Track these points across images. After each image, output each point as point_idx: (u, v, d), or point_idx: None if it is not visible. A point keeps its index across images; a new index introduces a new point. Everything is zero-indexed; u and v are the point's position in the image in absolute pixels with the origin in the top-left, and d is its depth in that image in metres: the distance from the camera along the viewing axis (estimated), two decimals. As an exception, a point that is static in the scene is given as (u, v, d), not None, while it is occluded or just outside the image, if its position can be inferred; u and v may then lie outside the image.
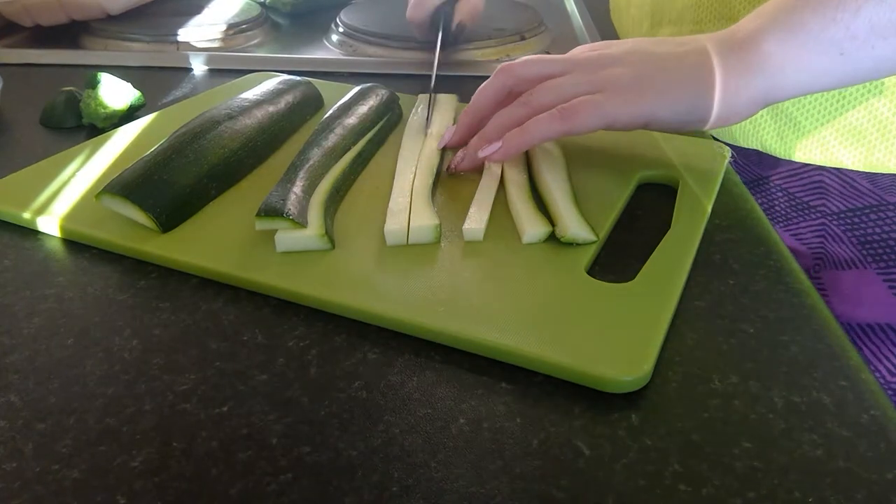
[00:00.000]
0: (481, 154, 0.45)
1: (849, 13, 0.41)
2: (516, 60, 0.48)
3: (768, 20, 0.43)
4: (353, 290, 0.37)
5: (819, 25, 0.41)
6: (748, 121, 0.58)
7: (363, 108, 0.54)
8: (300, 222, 0.40)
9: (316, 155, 0.46)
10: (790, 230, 0.63)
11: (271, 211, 0.40)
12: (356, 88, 0.57)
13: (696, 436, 0.30)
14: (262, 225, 0.40)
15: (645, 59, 0.44)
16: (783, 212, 0.63)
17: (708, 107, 0.43)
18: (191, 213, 0.43)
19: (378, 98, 0.56)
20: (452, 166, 0.48)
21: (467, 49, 0.78)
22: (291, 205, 0.41)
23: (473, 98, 0.49)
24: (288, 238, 0.40)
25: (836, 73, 0.43)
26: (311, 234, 0.40)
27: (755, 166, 0.64)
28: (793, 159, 0.58)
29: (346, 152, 0.49)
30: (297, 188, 0.43)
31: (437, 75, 0.63)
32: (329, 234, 0.40)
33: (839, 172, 0.58)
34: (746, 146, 0.60)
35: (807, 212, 0.61)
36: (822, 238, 0.62)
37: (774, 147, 0.58)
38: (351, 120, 0.52)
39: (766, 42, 0.42)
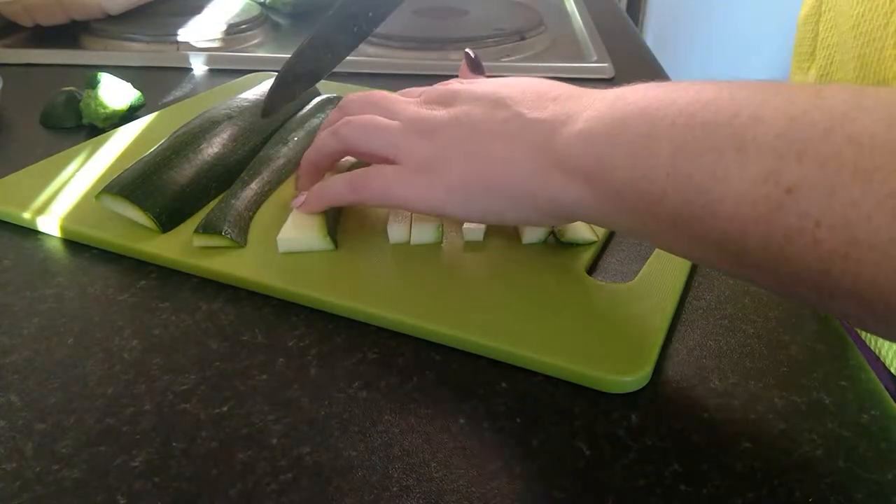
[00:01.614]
0: (292, 204, 0.42)
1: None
2: (356, 96, 0.43)
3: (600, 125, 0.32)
4: (354, 291, 0.37)
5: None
6: None
7: (316, 122, 0.53)
8: (238, 241, 0.40)
9: (266, 170, 0.46)
10: None
11: (210, 228, 0.40)
12: (315, 100, 0.56)
13: (696, 436, 0.30)
14: (201, 241, 0.40)
15: (464, 138, 0.37)
16: None
17: (517, 214, 0.36)
18: (190, 213, 0.43)
19: (333, 108, 0.55)
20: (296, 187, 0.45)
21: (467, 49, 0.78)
22: (232, 223, 0.41)
23: (318, 131, 0.45)
24: (290, 239, 0.40)
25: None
26: (313, 236, 0.40)
27: None
28: None
29: (298, 167, 0.49)
30: (242, 205, 0.43)
31: (437, 75, 0.63)
32: (331, 234, 0.40)
33: None
34: None
35: None
36: None
37: None
38: (307, 133, 0.51)
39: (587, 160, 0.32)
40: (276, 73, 0.49)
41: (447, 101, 0.39)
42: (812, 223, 0.24)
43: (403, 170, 0.38)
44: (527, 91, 0.37)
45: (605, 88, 0.34)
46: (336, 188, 0.41)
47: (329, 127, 0.42)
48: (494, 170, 0.35)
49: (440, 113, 0.38)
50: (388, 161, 0.39)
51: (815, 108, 0.25)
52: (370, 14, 0.49)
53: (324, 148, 0.42)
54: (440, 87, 0.42)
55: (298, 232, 0.40)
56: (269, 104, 0.48)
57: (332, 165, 0.45)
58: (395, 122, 0.39)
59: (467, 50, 0.49)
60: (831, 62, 0.47)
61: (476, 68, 0.48)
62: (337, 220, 0.43)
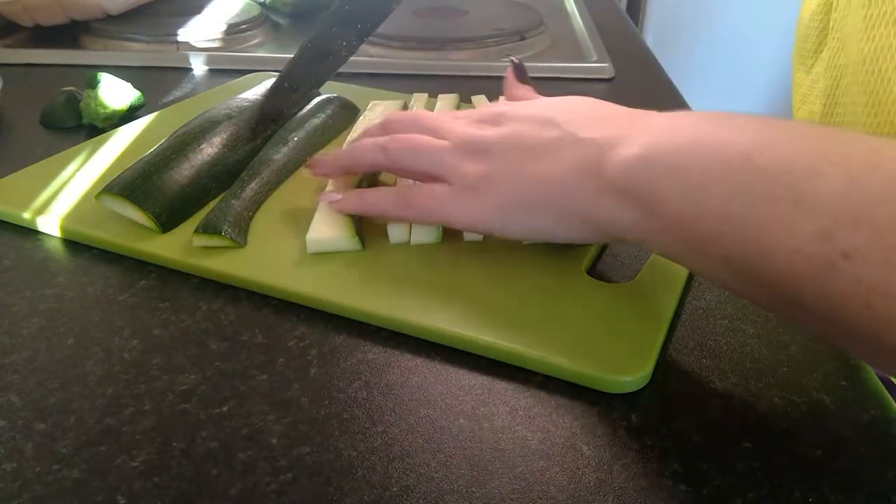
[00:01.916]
0: (322, 198, 0.42)
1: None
2: (402, 114, 0.44)
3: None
4: (354, 291, 0.37)
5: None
6: None
7: (316, 121, 0.53)
8: (238, 241, 0.40)
9: (265, 170, 0.46)
10: None
11: (210, 228, 0.40)
12: (316, 100, 0.56)
13: (696, 436, 0.30)
14: (201, 241, 0.40)
15: (513, 157, 0.37)
16: None
17: (566, 232, 0.36)
18: (190, 213, 0.43)
19: (333, 108, 0.56)
20: (309, 162, 0.45)
21: (467, 49, 0.78)
22: (231, 223, 0.41)
23: (358, 138, 0.46)
24: (319, 240, 0.40)
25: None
26: (341, 236, 0.40)
27: None
28: None
29: (298, 167, 0.49)
30: (241, 205, 0.43)
31: (437, 75, 0.63)
32: (359, 234, 0.40)
33: None
34: None
35: None
36: None
37: None
38: (307, 133, 0.52)
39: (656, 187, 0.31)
40: (273, 82, 0.49)
41: (495, 120, 0.39)
42: (865, 289, 0.24)
43: (453, 189, 0.38)
44: (576, 110, 0.37)
45: (646, 109, 0.35)
46: (383, 200, 0.41)
47: (368, 138, 0.43)
48: (543, 190, 0.35)
49: (489, 132, 0.39)
50: (435, 180, 0.39)
51: (874, 171, 0.24)
52: (367, 16, 0.50)
53: (365, 159, 0.42)
54: (487, 107, 0.42)
55: (329, 232, 0.40)
56: (265, 114, 0.48)
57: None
58: (444, 142, 0.39)
59: (512, 58, 0.49)
60: (838, 56, 0.47)
61: (522, 75, 0.48)
62: (360, 221, 0.42)
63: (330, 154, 0.44)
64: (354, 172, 0.44)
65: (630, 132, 0.33)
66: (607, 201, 0.33)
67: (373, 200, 0.42)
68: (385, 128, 0.44)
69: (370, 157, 0.42)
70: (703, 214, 0.29)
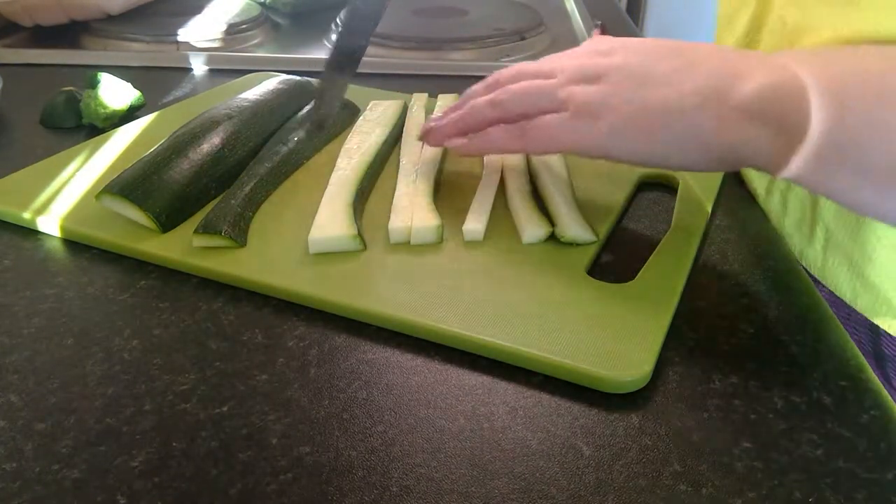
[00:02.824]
0: (448, 144, 0.44)
1: None
2: (507, 69, 0.44)
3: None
4: (354, 291, 0.37)
5: None
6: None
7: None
8: (238, 241, 0.40)
9: (265, 170, 0.46)
10: None
11: (210, 228, 0.40)
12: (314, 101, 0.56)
13: (696, 436, 0.30)
14: (201, 241, 0.40)
15: (630, 83, 0.37)
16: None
17: (683, 158, 0.37)
18: (190, 213, 0.43)
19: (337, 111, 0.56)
20: (422, 132, 0.47)
21: (467, 48, 0.78)
22: (231, 223, 0.41)
23: (462, 99, 0.46)
24: (321, 240, 0.40)
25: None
26: (343, 235, 0.40)
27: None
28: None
29: (298, 167, 0.49)
30: (241, 205, 0.43)
31: (437, 75, 0.62)
32: (361, 234, 0.40)
33: None
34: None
35: None
36: None
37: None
38: (302, 133, 0.52)
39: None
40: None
41: (607, 53, 0.40)
42: None
43: (566, 115, 0.38)
44: (687, 45, 0.38)
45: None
46: (500, 138, 0.41)
47: (475, 97, 0.44)
48: (663, 114, 0.35)
49: (604, 60, 0.39)
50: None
51: None
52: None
53: (479, 116, 0.43)
54: (596, 40, 0.42)
55: (331, 232, 0.40)
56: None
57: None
58: (554, 79, 0.40)
59: (599, 24, 0.50)
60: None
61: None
62: (361, 220, 0.42)
63: (442, 120, 0.45)
64: (470, 132, 0.44)
65: (753, 63, 0.35)
66: (740, 128, 0.34)
67: (492, 139, 0.42)
68: (490, 86, 0.44)
69: (483, 113, 0.42)
70: (855, 127, 0.31)
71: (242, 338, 0.35)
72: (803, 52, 0.36)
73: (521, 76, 0.42)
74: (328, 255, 0.40)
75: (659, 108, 0.36)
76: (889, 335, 0.45)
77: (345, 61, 0.50)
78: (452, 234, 0.42)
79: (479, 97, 0.44)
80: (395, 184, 0.46)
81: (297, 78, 0.60)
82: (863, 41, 0.37)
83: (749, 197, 0.49)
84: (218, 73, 0.73)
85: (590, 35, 0.49)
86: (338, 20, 0.83)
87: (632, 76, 0.37)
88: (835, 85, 0.32)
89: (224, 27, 0.81)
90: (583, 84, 0.39)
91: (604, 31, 0.49)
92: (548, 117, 0.39)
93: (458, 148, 0.44)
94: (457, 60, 0.76)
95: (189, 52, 0.76)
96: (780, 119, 0.33)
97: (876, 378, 0.34)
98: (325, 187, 0.45)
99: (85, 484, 0.28)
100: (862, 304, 0.45)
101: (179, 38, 0.78)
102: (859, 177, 0.32)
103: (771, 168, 0.34)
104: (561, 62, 0.41)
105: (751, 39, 0.50)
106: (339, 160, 0.49)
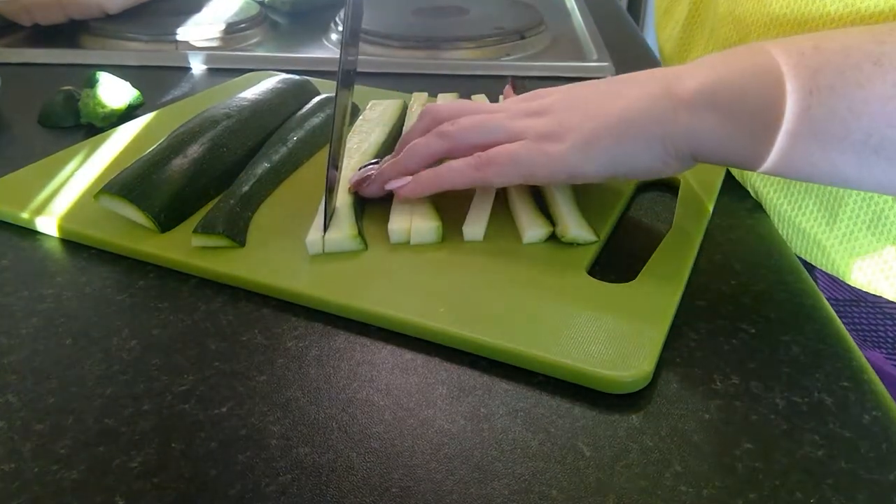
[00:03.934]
0: (389, 186, 0.42)
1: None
2: (443, 104, 0.44)
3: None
4: (354, 291, 0.37)
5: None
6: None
7: (316, 121, 0.53)
8: (237, 241, 0.40)
9: (264, 170, 0.46)
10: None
11: (208, 228, 0.40)
12: (316, 99, 0.56)
13: (697, 436, 0.30)
14: (199, 241, 0.40)
15: (577, 109, 0.39)
16: (890, 340, 0.49)
17: (650, 162, 0.37)
18: (189, 213, 0.43)
19: (333, 108, 0.56)
20: (354, 189, 0.44)
21: (467, 48, 0.78)
22: (230, 223, 0.41)
23: (401, 142, 0.46)
24: (320, 241, 0.40)
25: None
26: (344, 236, 0.40)
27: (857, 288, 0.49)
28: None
29: (297, 167, 0.49)
30: (240, 205, 0.43)
31: (437, 75, 0.62)
32: (362, 234, 0.40)
33: None
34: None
35: None
36: None
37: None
38: (306, 133, 0.52)
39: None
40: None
41: (540, 96, 0.41)
42: None
43: (528, 142, 0.39)
44: (615, 77, 0.41)
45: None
46: (456, 172, 0.40)
47: (419, 134, 0.43)
48: (622, 118, 0.37)
49: (541, 100, 0.41)
50: None
51: None
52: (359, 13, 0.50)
53: (427, 150, 0.42)
54: (519, 97, 0.44)
55: (332, 233, 0.40)
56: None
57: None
58: (502, 115, 0.40)
59: (512, 80, 0.52)
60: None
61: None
62: (362, 220, 0.42)
63: (385, 167, 0.43)
64: (414, 172, 0.43)
65: (685, 68, 0.37)
66: (688, 115, 0.35)
67: (449, 176, 0.41)
68: (432, 117, 0.44)
69: (430, 147, 0.42)
70: (789, 96, 0.33)
71: (242, 338, 0.35)
72: (775, 40, 0.37)
73: (462, 112, 0.42)
74: (328, 255, 0.40)
75: (615, 117, 0.37)
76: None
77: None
78: (452, 234, 0.42)
79: (418, 137, 0.43)
80: None
81: (296, 77, 0.60)
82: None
83: (750, 197, 0.49)
84: (217, 72, 0.73)
85: (505, 89, 0.52)
86: (337, 19, 0.83)
87: (575, 105, 0.39)
88: (806, 63, 0.33)
89: (223, 26, 0.81)
90: (534, 117, 0.40)
91: (514, 86, 0.50)
92: (510, 144, 0.39)
93: (407, 190, 0.42)
94: (457, 60, 0.76)
95: (188, 52, 0.76)
96: (740, 105, 0.34)
97: (877, 378, 0.33)
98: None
99: (84, 484, 0.27)
100: None
101: (178, 38, 0.78)
102: (837, 152, 0.33)
103: (748, 159, 0.35)
104: (501, 105, 0.42)
105: (689, 31, 0.53)
106: None
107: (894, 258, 0.44)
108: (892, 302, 0.45)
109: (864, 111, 0.32)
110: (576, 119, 0.38)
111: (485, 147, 0.40)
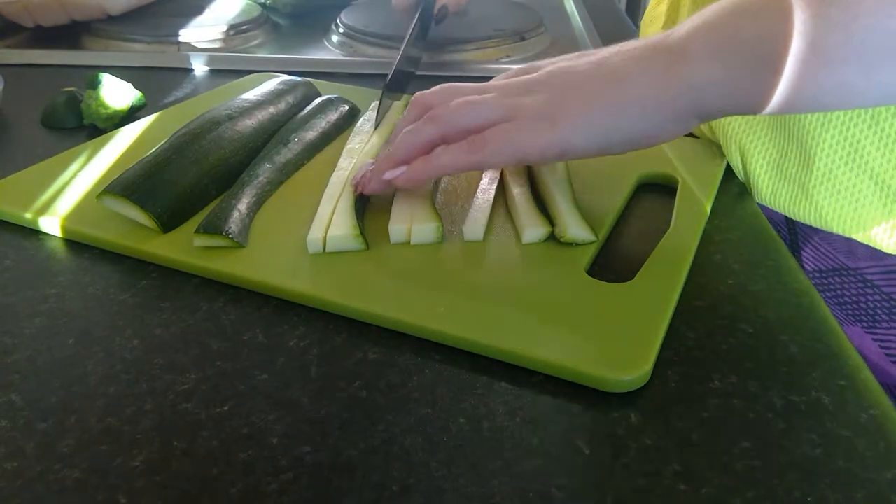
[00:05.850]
0: (386, 177, 0.41)
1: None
2: (430, 90, 0.44)
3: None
4: (354, 291, 0.37)
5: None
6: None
7: (317, 122, 0.53)
8: (239, 241, 0.40)
9: (266, 171, 0.46)
10: (877, 336, 0.49)
11: (210, 228, 0.40)
12: (317, 100, 0.57)
13: (695, 435, 0.30)
14: (202, 241, 0.40)
15: (563, 81, 0.39)
16: (870, 312, 0.49)
17: (649, 125, 0.37)
18: (191, 213, 0.44)
19: (334, 109, 0.56)
20: (358, 190, 0.44)
21: (467, 49, 0.78)
22: (232, 223, 0.41)
23: (394, 134, 0.45)
24: (321, 240, 0.40)
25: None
26: (344, 235, 0.40)
27: (841, 255, 0.50)
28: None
29: (298, 168, 0.49)
30: (242, 205, 0.43)
31: (438, 75, 0.63)
32: (362, 234, 0.40)
33: None
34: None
35: None
36: None
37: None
38: (308, 134, 0.52)
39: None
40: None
41: (525, 71, 0.41)
42: None
43: (521, 121, 0.38)
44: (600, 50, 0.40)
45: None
46: (450, 155, 0.39)
47: (409, 123, 0.42)
48: (614, 87, 0.37)
49: (527, 76, 0.40)
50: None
51: None
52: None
53: (420, 137, 0.41)
54: (498, 77, 0.43)
55: (333, 231, 0.40)
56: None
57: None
58: (491, 94, 0.40)
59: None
60: None
61: None
62: (363, 220, 0.42)
63: (380, 160, 0.43)
64: (409, 160, 0.42)
65: (668, 31, 0.37)
66: (684, 70, 0.35)
67: (443, 161, 0.40)
68: (422, 104, 0.43)
69: (423, 133, 0.41)
70: (785, 30, 0.33)
71: (243, 337, 0.35)
72: None
73: (451, 95, 0.42)
74: (329, 255, 0.40)
75: (607, 86, 0.37)
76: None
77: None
78: (452, 233, 0.42)
79: (409, 124, 0.42)
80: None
81: (298, 78, 0.60)
82: None
83: (749, 197, 0.49)
84: (218, 73, 0.73)
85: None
86: (338, 21, 0.83)
87: (566, 78, 0.39)
88: None
89: (225, 28, 0.81)
90: (524, 94, 0.39)
91: None
92: (504, 124, 0.39)
93: (402, 179, 0.41)
94: (457, 61, 0.76)
95: (190, 53, 0.76)
96: (738, 42, 0.34)
97: (874, 378, 0.34)
98: (326, 187, 0.45)
99: (86, 483, 0.28)
100: None
101: (180, 39, 0.79)
102: (842, 63, 0.33)
103: (753, 99, 0.35)
104: (489, 85, 0.41)
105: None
106: (340, 160, 0.49)
107: (874, 197, 0.44)
108: (873, 268, 0.46)
109: (859, 10, 0.31)
110: (567, 92, 0.38)
111: (478, 129, 0.39)
